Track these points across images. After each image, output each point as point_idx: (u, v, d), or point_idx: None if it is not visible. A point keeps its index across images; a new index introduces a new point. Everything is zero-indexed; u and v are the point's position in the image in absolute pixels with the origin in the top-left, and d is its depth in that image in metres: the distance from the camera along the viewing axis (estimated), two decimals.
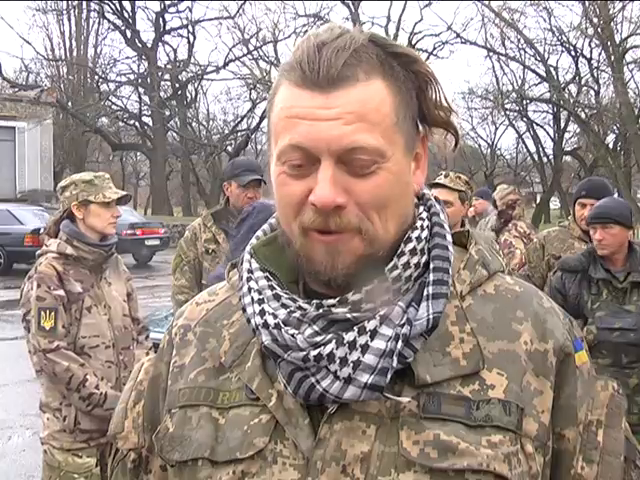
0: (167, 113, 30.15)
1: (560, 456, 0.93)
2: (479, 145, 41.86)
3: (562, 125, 34.14)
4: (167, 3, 29.85)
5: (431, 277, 0.90)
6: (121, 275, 3.28)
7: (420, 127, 0.93)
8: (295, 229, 0.88)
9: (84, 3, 31.38)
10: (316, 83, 0.85)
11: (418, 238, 0.91)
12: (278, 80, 0.91)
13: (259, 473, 0.88)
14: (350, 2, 28.48)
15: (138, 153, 39.31)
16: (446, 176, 3.95)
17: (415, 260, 0.90)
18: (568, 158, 37.71)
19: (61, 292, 2.99)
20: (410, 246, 0.90)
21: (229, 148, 32.39)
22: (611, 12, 23.07)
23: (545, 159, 36.50)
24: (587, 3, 23.36)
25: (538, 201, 36.79)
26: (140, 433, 1.05)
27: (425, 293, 0.89)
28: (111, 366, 3.08)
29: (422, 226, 0.93)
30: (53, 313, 2.95)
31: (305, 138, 0.85)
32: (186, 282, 3.90)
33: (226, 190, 4.00)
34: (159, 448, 0.98)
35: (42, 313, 2.95)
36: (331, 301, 0.87)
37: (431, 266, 0.91)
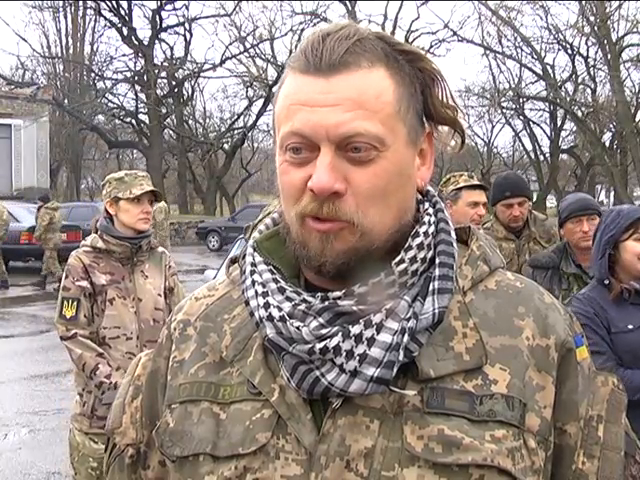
0: (164, 111, 30.12)
1: (561, 451, 0.92)
2: (476, 143, 41.90)
3: (559, 123, 34.22)
4: (164, 1, 29.77)
5: (437, 272, 0.90)
6: (162, 270, 3.38)
7: (426, 124, 0.94)
8: (293, 216, 0.88)
9: (80, 1, 31.30)
10: (318, 68, 0.86)
11: (425, 233, 0.91)
12: (285, 74, 0.91)
13: (261, 468, 0.87)
14: (347, 0, 28.45)
15: (134, 151, 39.21)
16: (471, 177, 3.84)
17: (422, 255, 0.90)
18: (564, 156, 37.82)
19: (84, 283, 3.14)
20: (418, 241, 0.90)
21: (226, 146, 32.40)
22: (607, 10, 23.12)
23: (542, 157, 36.58)
24: (584, 2, 23.39)
25: (535, 199, 36.84)
26: (138, 428, 1.05)
27: (431, 288, 0.89)
28: (132, 357, 3.17)
29: (429, 221, 0.93)
30: (75, 303, 3.11)
31: (305, 125, 0.85)
32: None
33: None
34: (159, 443, 0.97)
35: (65, 302, 3.13)
36: (337, 293, 0.87)
37: (437, 261, 0.91)
